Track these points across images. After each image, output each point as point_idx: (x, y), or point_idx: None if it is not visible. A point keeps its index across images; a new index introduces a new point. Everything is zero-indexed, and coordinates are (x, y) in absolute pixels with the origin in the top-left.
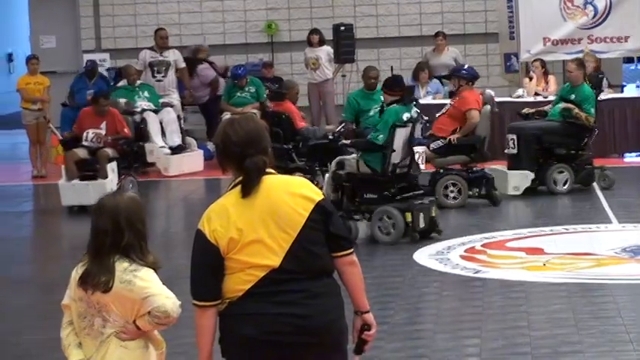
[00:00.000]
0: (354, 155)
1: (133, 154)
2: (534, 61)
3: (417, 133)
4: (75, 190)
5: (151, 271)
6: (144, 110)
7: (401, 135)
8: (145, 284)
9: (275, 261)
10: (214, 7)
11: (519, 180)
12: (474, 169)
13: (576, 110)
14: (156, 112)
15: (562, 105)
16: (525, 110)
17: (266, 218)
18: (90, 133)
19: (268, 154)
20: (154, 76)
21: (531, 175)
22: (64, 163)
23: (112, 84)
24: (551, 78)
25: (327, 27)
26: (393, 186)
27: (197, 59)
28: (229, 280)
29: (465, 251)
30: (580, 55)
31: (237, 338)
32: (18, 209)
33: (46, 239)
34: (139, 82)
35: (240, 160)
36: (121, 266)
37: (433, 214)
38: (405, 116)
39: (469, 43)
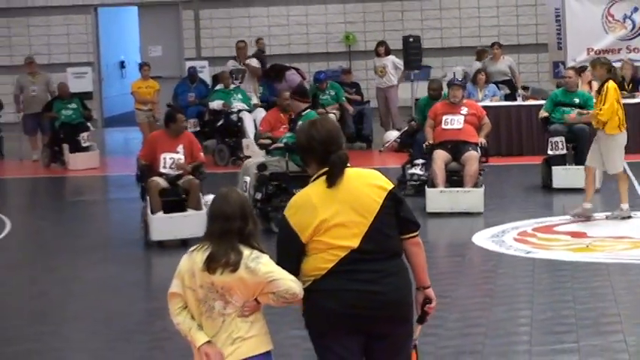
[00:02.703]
0: (276, 157)
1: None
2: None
3: None
4: (171, 223)
5: (268, 256)
6: (239, 110)
7: None
8: (269, 269)
9: (355, 242)
10: (299, 20)
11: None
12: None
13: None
14: (249, 111)
15: (577, 111)
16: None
17: (346, 205)
18: (168, 159)
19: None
20: (232, 82)
21: None
22: (147, 194)
23: (209, 88)
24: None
25: (397, 38)
26: None
27: (285, 66)
28: (314, 259)
29: (518, 234)
30: (618, 64)
31: (321, 311)
32: (130, 196)
33: None
34: (232, 85)
35: (324, 156)
36: (244, 254)
37: None
38: None
39: (522, 52)
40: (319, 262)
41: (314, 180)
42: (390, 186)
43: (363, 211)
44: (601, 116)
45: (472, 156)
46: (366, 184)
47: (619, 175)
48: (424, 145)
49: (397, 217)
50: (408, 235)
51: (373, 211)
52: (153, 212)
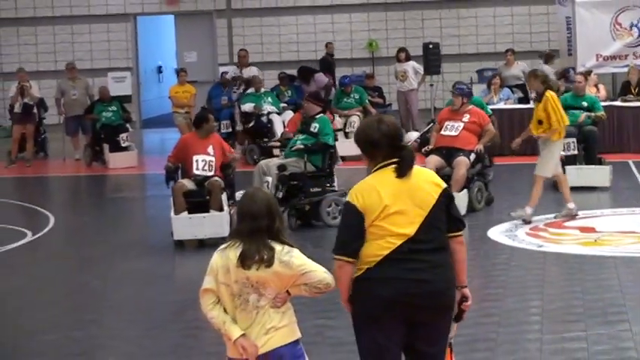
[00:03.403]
0: (294, 158)
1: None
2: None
3: None
4: (191, 223)
5: (298, 250)
6: (269, 113)
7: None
8: (301, 262)
9: (412, 230)
10: (326, 28)
11: (610, 173)
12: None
13: (600, 113)
14: (279, 114)
15: (585, 114)
16: None
17: (406, 196)
18: (200, 161)
19: None
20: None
21: None
22: (172, 196)
23: (241, 91)
24: (601, 86)
25: (417, 45)
26: (333, 179)
27: (313, 69)
28: (371, 245)
29: (530, 229)
30: (625, 69)
31: (375, 298)
32: (165, 193)
33: None
34: (263, 89)
35: (391, 150)
36: (276, 249)
37: None
38: None
39: (534, 58)
40: (375, 249)
41: (375, 170)
42: (444, 184)
43: (420, 203)
44: (564, 123)
45: (460, 162)
46: (424, 180)
47: (539, 179)
48: (423, 150)
49: (447, 214)
50: (455, 234)
51: (429, 204)
52: (177, 213)
